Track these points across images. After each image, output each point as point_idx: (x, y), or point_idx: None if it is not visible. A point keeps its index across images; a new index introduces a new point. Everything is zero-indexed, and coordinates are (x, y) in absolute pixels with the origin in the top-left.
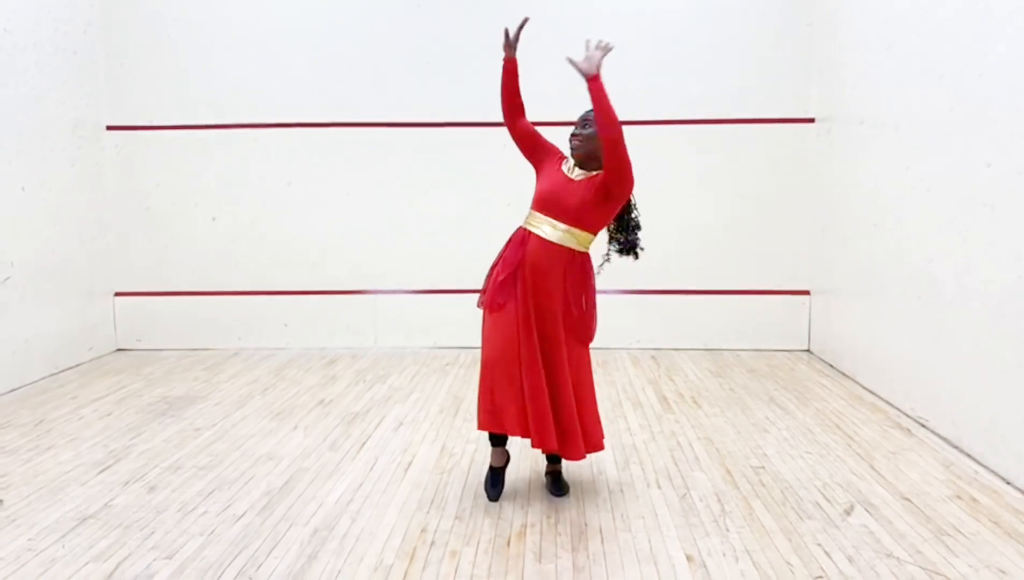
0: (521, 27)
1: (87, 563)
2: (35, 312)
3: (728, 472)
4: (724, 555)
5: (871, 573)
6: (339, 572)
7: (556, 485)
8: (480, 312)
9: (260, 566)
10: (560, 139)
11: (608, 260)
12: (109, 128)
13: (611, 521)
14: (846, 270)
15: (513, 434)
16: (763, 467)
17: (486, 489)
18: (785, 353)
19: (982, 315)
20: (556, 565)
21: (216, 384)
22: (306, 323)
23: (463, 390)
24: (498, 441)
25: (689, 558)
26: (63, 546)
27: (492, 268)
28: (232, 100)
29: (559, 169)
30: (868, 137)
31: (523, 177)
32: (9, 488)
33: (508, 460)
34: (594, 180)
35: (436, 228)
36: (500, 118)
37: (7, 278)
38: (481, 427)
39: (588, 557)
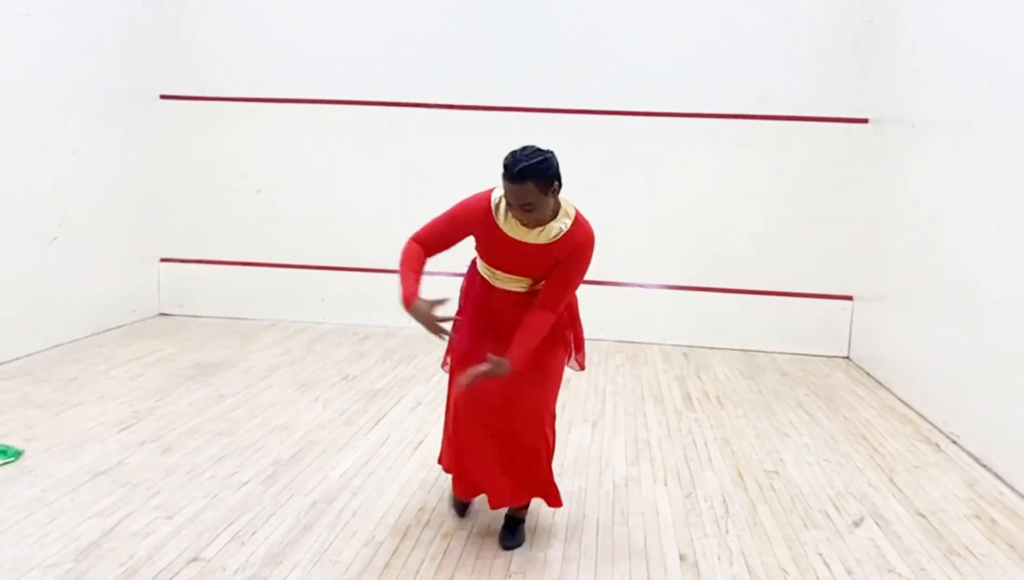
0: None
1: (90, 517)
2: (80, 273)
3: (739, 475)
4: (719, 557)
5: None
6: (329, 545)
7: (511, 533)
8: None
9: (255, 532)
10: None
11: None
12: (163, 97)
13: (610, 515)
14: (890, 276)
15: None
16: (776, 472)
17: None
18: (823, 359)
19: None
20: (546, 554)
21: (247, 353)
22: (343, 299)
23: None
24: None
25: (682, 557)
26: (72, 499)
27: (457, 315)
28: (282, 75)
29: (495, 227)
30: (920, 141)
31: (570, 166)
32: (33, 440)
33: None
34: (551, 254)
35: None
36: (545, 103)
37: (54, 238)
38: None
39: (580, 549)
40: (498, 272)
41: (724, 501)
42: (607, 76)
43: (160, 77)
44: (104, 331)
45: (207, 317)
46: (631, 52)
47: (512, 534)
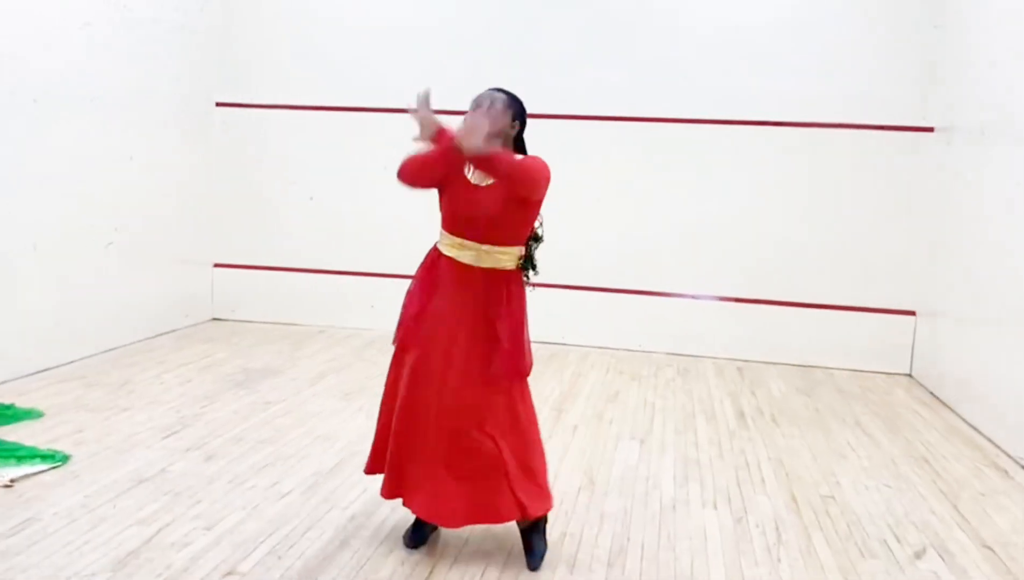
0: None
1: (131, 525)
2: (135, 278)
3: (793, 498)
4: None
5: None
6: (367, 561)
7: (531, 552)
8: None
9: (292, 546)
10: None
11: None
12: (219, 104)
13: (655, 539)
14: (956, 292)
15: (419, 513)
16: (833, 497)
17: (404, 538)
18: (884, 376)
19: None
20: (588, 578)
21: (296, 359)
22: (393, 306)
23: (533, 385)
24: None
25: None
26: (114, 506)
27: (407, 295)
28: (335, 83)
29: (461, 173)
30: (988, 150)
31: (623, 174)
32: (81, 445)
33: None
34: (507, 194)
35: None
36: (596, 110)
37: (110, 244)
38: (382, 493)
39: (623, 573)
40: (447, 233)
41: (777, 527)
42: (675, 84)
43: (216, 85)
44: (158, 335)
45: (259, 322)
46: (688, 59)
47: (532, 552)
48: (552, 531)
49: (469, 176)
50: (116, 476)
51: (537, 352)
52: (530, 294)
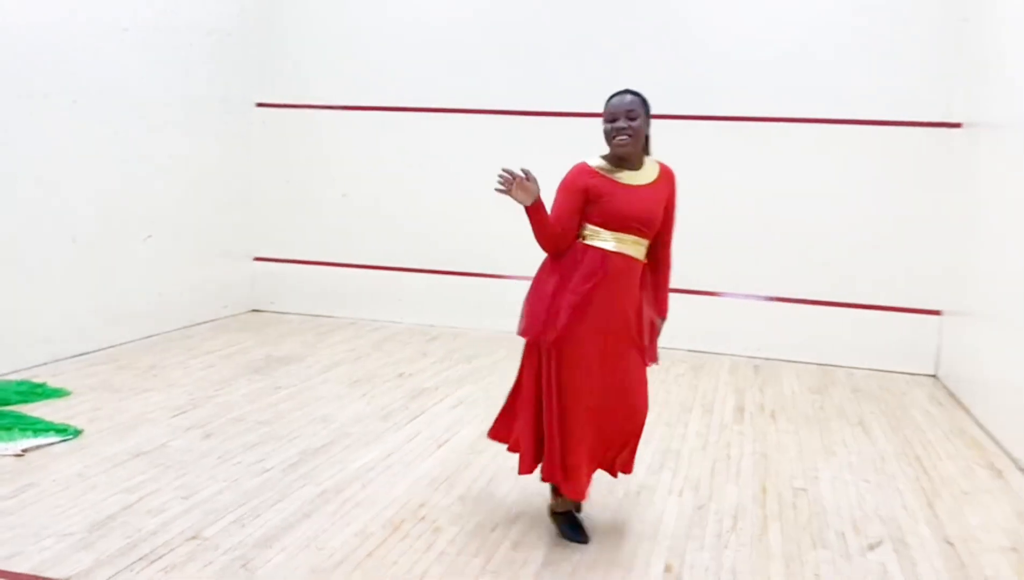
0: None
1: (116, 493)
2: (174, 270)
3: (764, 490)
4: (706, 571)
5: None
6: (323, 532)
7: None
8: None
9: (258, 516)
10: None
11: None
12: (259, 105)
13: (609, 523)
14: (980, 291)
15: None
16: (805, 490)
17: (565, 534)
18: (907, 376)
19: None
20: (528, 556)
21: (318, 349)
22: (418, 300)
23: None
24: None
25: (668, 568)
26: (107, 476)
27: (542, 296)
28: (368, 84)
29: (610, 180)
30: (1018, 146)
31: None
32: (95, 421)
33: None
34: (661, 192)
35: None
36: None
37: (148, 237)
38: (545, 480)
39: (563, 554)
40: (622, 234)
41: (735, 516)
42: (698, 82)
43: (256, 86)
44: (197, 324)
45: (294, 314)
46: (711, 55)
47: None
48: (509, 510)
49: (618, 178)
50: (118, 449)
51: None
52: None
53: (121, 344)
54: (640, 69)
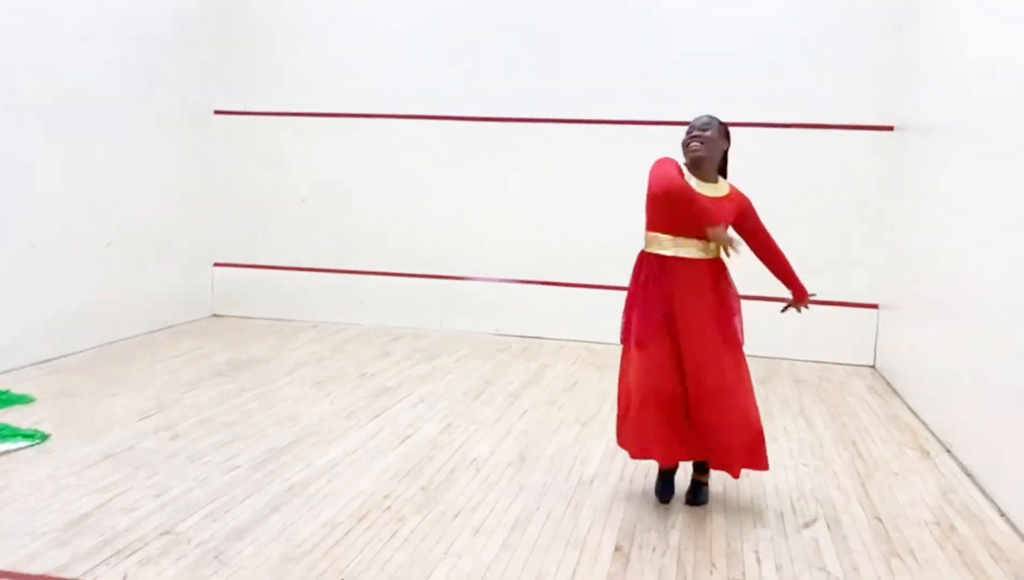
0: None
1: (89, 494)
2: (134, 276)
3: (709, 475)
4: (654, 549)
5: None
6: (292, 523)
7: (694, 494)
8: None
9: (229, 511)
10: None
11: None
12: (217, 112)
13: (563, 508)
14: (912, 285)
15: (666, 462)
16: (748, 474)
17: (656, 491)
18: (847, 368)
19: (1017, 340)
20: (487, 541)
21: (281, 351)
22: (380, 302)
23: (496, 376)
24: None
25: (617, 548)
26: (78, 478)
27: (629, 301)
28: (326, 90)
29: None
30: (941, 148)
31: (590, 174)
32: (62, 426)
33: (677, 465)
34: (733, 213)
35: (507, 220)
36: (591, 115)
37: (109, 244)
38: (634, 457)
39: (521, 538)
40: (681, 238)
41: (682, 499)
42: (632, 87)
43: (215, 94)
44: (157, 330)
45: (257, 318)
46: (655, 63)
47: (696, 494)
48: (470, 499)
49: (695, 185)
50: (87, 452)
51: (511, 345)
52: (501, 290)
53: (83, 350)
54: (588, 75)
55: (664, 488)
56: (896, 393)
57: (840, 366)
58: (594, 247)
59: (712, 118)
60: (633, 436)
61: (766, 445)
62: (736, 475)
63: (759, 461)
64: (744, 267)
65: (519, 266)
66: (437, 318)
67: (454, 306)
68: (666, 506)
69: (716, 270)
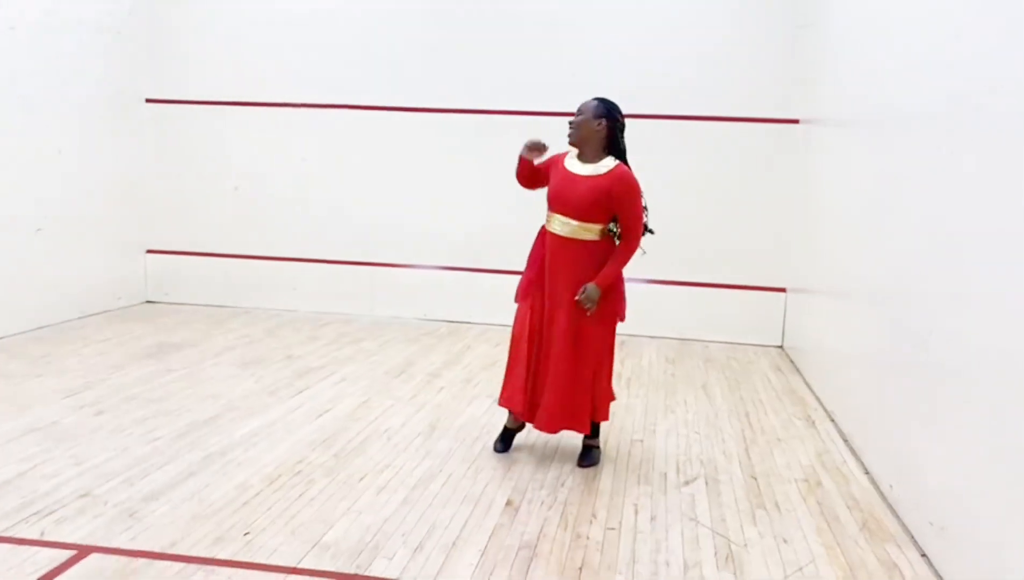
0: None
1: (10, 463)
2: (65, 262)
3: (605, 442)
4: (541, 503)
5: (662, 531)
6: (205, 486)
7: (584, 456)
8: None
9: (146, 476)
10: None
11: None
12: (148, 101)
13: (464, 470)
14: (813, 270)
15: (515, 410)
16: (642, 441)
17: (495, 444)
18: (757, 348)
19: (881, 319)
20: (389, 498)
21: (212, 336)
22: (312, 289)
23: (419, 357)
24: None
25: (508, 502)
26: (1, 450)
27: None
28: (257, 80)
29: (563, 166)
30: (839, 140)
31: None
32: None
33: (521, 426)
34: (602, 192)
35: (433, 208)
36: (505, 106)
37: (38, 230)
38: (500, 404)
39: (421, 495)
40: (555, 215)
41: (574, 461)
42: (546, 79)
43: (145, 83)
44: (89, 316)
45: (189, 304)
46: (568, 55)
47: (585, 455)
48: (378, 463)
49: (569, 166)
50: (10, 426)
51: (438, 329)
52: (428, 276)
53: (13, 335)
54: (505, 68)
55: (503, 440)
56: (797, 370)
57: (751, 346)
58: (511, 234)
59: (597, 101)
60: (503, 386)
61: (602, 412)
62: (552, 431)
63: (579, 425)
64: (666, 253)
65: (444, 253)
66: (367, 305)
67: (384, 293)
68: (559, 468)
69: (592, 248)
